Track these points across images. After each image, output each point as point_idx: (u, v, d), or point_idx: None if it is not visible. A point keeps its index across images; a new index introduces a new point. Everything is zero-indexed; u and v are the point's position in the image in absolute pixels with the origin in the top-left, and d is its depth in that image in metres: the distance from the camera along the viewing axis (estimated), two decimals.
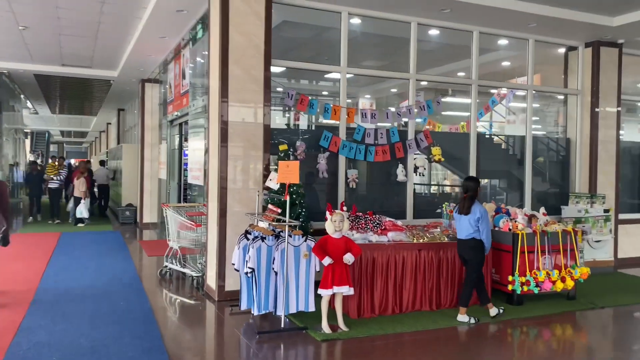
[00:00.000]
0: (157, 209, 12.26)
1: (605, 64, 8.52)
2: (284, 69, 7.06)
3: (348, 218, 5.50)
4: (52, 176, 13.76)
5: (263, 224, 5.37)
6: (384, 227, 5.97)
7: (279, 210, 5.39)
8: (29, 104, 20.08)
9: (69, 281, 6.96)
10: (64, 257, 8.71)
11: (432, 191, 9.07)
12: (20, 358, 4.27)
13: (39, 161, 23.38)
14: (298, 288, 5.14)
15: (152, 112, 12.81)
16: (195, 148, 8.34)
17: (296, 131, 7.57)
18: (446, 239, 6.07)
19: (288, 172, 5.16)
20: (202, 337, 5.24)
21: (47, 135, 32.95)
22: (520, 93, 8.67)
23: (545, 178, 8.91)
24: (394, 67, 7.94)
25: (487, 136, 8.83)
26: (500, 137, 9.15)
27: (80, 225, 12.99)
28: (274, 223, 5.21)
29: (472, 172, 7.86)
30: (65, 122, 27.07)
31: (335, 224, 5.01)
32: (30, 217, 13.77)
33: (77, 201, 13.03)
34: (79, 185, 13.14)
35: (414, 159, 7.47)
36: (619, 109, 8.72)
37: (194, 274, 7.01)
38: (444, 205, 7.30)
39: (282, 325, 5.05)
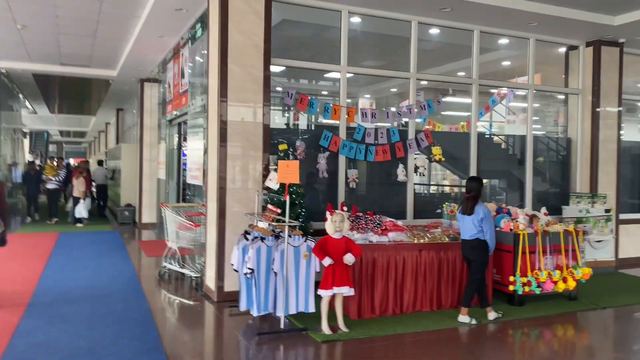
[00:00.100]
0: (156, 209, 12.21)
1: (606, 63, 8.48)
2: (283, 68, 7.02)
3: (348, 218, 5.46)
4: (50, 177, 13.71)
5: (262, 224, 5.32)
6: (384, 227, 5.93)
7: (279, 211, 5.34)
8: (27, 104, 20.02)
9: (67, 282, 6.91)
10: (62, 257, 8.67)
11: (432, 191, 9.04)
12: None
13: (37, 161, 23.31)
14: (298, 289, 5.09)
15: (151, 111, 12.76)
16: (194, 148, 8.30)
17: (296, 131, 7.53)
18: (447, 239, 6.03)
19: (288, 172, 5.12)
20: (201, 339, 5.20)
21: (46, 135, 32.88)
22: (521, 93, 8.64)
23: (545, 178, 8.87)
24: (394, 66, 7.90)
25: (487, 136, 8.79)
26: (500, 137, 9.11)
27: (79, 225, 12.93)
28: (273, 223, 5.17)
29: (473, 172, 7.82)
30: (64, 121, 26.99)
31: (335, 224, 4.96)
32: (29, 218, 13.71)
33: (76, 201, 12.98)
34: (78, 185, 13.09)
35: (415, 158, 7.43)
36: (620, 108, 8.68)
37: (192, 274, 6.96)
38: (444, 205, 7.26)
39: (282, 326, 5.01)
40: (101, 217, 14.92)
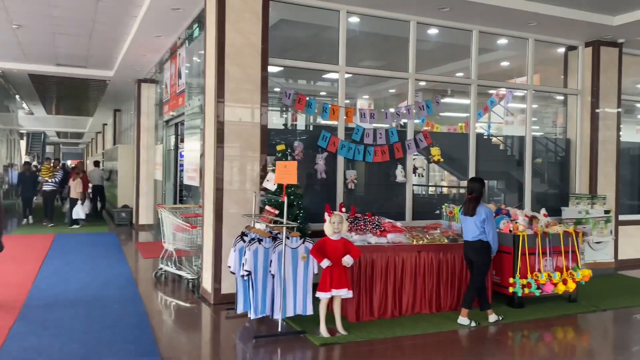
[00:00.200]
0: (153, 210, 12.13)
1: (605, 63, 8.45)
2: (281, 68, 6.96)
3: (347, 219, 5.40)
4: (46, 178, 13.61)
5: (260, 226, 5.26)
6: (383, 228, 5.87)
7: (277, 212, 5.28)
8: (24, 105, 19.93)
9: (62, 284, 6.83)
10: (57, 259, 8.58)
11: (431, 192, 8.99)
12: None
13: (34, 162, 23.21)
14: (296, 291, 5.03)
15: (148, 112, 12.71)
16: (191, 149, 8.24)
17: (294, 131, 7.47)
18: (446, 240, 5.97)
19: (286, 173, 5.06)
20: (198, 342, 5.13)
21: (43, 136, 32.77)
22: (519, 93, 8.60)
23: (544, 179, 8.83)
24: (393, 67, 7.85)
25: (485, 137, 8.74)
26: (498, 137, 9.07)
27: (75, 226, 12.84)
28: (271, 225, 5.10)
29: (471, 173, 7.78)
30: (61, 123, 26.90)
31: (333, 226, 4.90)
32: (25, 219, 13.55)
33: (74, 202, 12.89)
34: (76, 187, 13.00)
35: (413, 159, 7.38)
36: (620, 109, 8.65)
37: (189, 276, 6.89)
38: (443, 206, 7.20)
39: (280, 329, 4.94)
40: (98, 219, 14.81)
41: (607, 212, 8.02)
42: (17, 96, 17.00)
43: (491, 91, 8.31)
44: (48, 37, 9.53)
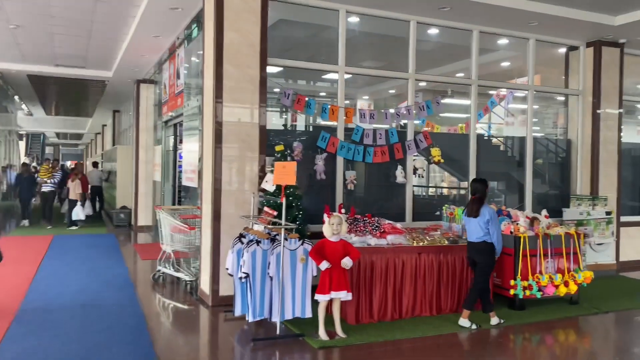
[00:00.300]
0: (151, 211, 12.07)
1: (606, 64, 8.40)
2: (281, 69, 6.91)
3: (346, 221, 5.34)
4: (45, 179, 13.48)
5: (258, 227, 5.21)
6: (382, 230, 5.81)
7: (275, 213, 5.23)
8: (23, 106, 19.88)
9: (59, 286, 6.78)
10: (55, 260, 8.53)
11: (431, 193, 8.94)
12: None
13: (34, 163, 23.14)
14: (294, 293, 4.97)
15: (147, 113, 12.65)
16: (189, 149, 8.18)
17: (293, 132, 7.41)
18: (446, 242, 5.92)
19: (284, 174, 5.00)
20: (195, 344, 5.06)
21: (42, 137, 32.72)
22: (520, 94, 8.55)
23: (545, 180, 8.77)
24: (393, 67, 7.80)
25: (485, 138, 8.69)
26: (499, 138, 9.02)
27: (73, 227, 12.77)
28: (269, 226, 5.05)
29: (472, 174, 7.73)
30: (61, 123, 26.86)
31: (332, 227, 4.85)
32: (23, 221, 13.40)
33: (73, 204, 12.82)
34: (74, 188, 12.94)
35: (413, 160, 7.33)
36: (621, 110, 8.60)
37: (187, 278, 6.84)
38: (444, 207, 7.14)
39: (278, 332, 4.89)
40: (96, 219, 14.74)
41: (608, 213, 7.97)
42: (15, 97, 16.95)
43: (491, 92, 8.26)
44: (46, 38, 9.48)
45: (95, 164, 16.90)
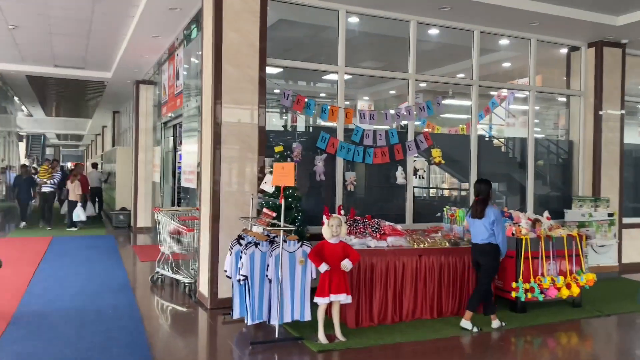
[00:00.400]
0: (151, 212, 12.01)
1: (608, 64, 8.34)
2: (280, 70, 6.87)
3: (346, 222, 5.29)
4: (45, 179, 13.40)
5: (257, 229, 5.15)
6: (383, 231, 5.75)
7: (274, 215, 5.17)
8: (23, 107, 19.86)
9: (57, 288, 6.72)
10: (53, 262, 8.47)
11: (432, 194, 8.88)
12: None
13: (34, 164, 23.08)
14: (293, 296, 4.91)
15: (146, 114, 12.60)
16: (188, 150, 8.13)
17: (293, 133, 7.36)
18: (448, 244, 5.85)
19: (283, 175, 4.94)
20: (193, 347, 5.00)
21: (42, 138, 32.72)
22: (521, 95, 8.49)
23: (546, 181, 8.71)
24: (393, 67, 7.75)
25: (486, 139, 8.63)
26: (500, 139, 8.96)
27: (73, 229, 12.72)
28: (268, 228, 4.99)
29: (473, 175, 7.68)
30: (61, 125, 26.83)
31: (332, 229, 4.79)
32: (21, 223, 13.30)
33: (73, 205, 12.77)
34: (74, 189, 12.89)
35: (414, 161, 7.27)
36: (623, 111, 8.53)
37: (186, 280, 6.78)
38: (444, 208, 7.07)
39: (277, 335, 4.83)
40: (95, 221, 14.68)
41: (610, 215, 7.90)
42: (15, 98, 16.92)
43: (492, 92, 8.21)
44: (45, 38, 9.44)
45: (94, 165, 16.84)
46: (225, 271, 5.23)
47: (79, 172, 13.79)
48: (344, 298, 4.79)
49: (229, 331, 5.24)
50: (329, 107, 6.74)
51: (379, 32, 7.74)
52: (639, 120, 10.38)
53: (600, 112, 8.35)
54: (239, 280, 4.91)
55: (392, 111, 7.31)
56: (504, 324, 5.41)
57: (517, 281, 5.82)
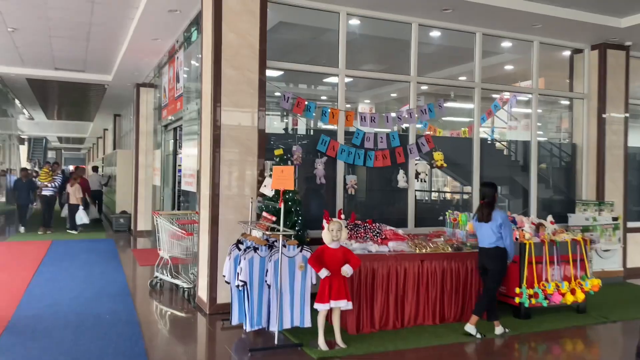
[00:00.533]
0: (151, 216, 11.94)
1: (612, 67, 8.25)
2: (281, 72, 6.80)
3: (346, 227, 5.21)
4: (46, 183, 13.30)
5: (257, 233, 5.07)
6: (384, 236, 5.67)
7: (274, 218, 5.09)
8: (24, 111, 19.84)
9: (54, 293, 6.64)
10: (52, 266, 8.40)
11: (434, 198, 8.79)
12: None
13: (35, 167, 23.03)
14: (293, 302, 4.82)
15: (147, 117, 12.55)
16: (188, 153, 8.07)
17: (294, 136, 7.29)
18: (450, 249, 5.76)
19: (283, 178, 4.87)
20: (191, 354, 4.90)
21: (44, 141, 32.70)
22: (522, 98, 8.42)
23: (549, 185, 8.62)
24: (394, 70, 7.68)
25: (489, 142, 8.55)
26: (502, 142, 8.87)
27: (73, 232, 12.66)
28: (267, 232, 4.91)
29: (475, 179, 7.60)
30: (62, 128, 26.83)
31: (332, 233, 4.71)
32: (20, 227, 13.16)
33: (74, 208, 12.71)
34: (75, 192, 12.85)
35: (415, 164, 7.19)
36: (627, 114, 8.45)
37: (185, 285, 6.70)
38: (447, 212, 6.98)
39: (276, 342, 4.74)
40: (96, 224, 14.61)
41: (615, 219, 7.80)
42: (16, 101, 16.89)
43: (494, 95, 8.13)
44: (44, 41, 9.39)
45: (95, 169, 16.79)
46: (224, 276, 5.15)
47: (79, 175, 13.74)
48: (345, 304, 4.70)
49: (228, 337, 5.16)
50: (329, 110, 6.67)
51: (380, 34, 7.67)
52: None
53: (604, 115, 8.26)
54: (237, 286, 4.83)
55: (393, 114, 7.23)
56: (507, 330, 5.32)
57: (520, 286, 5.72)
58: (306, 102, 6.52)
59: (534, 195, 8.08)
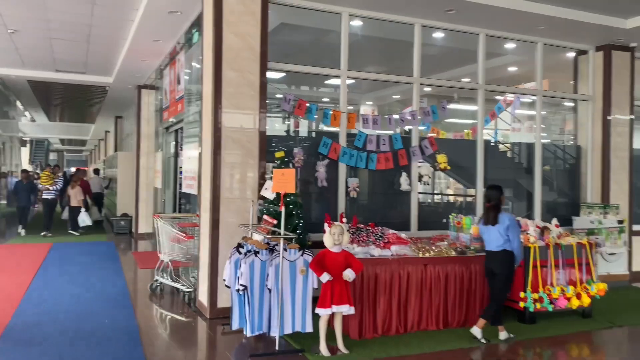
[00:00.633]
0: (152, 218, 11.88)
1: (617, 68, 8.16)
2: (283, 74, 6.74)
3: (348, 230, 5.13)
4: (47, 186, 13.21)
5: (258, 236, 4.99)
6: (387, 240, 5.59)
7: (275, 222, 5.01)
8: (26, 113, 19.82)
9: (53, 297, 6.58)
10: (52, 269, 8.34)
11: (437, 201, 8.71)
12: None
13: (37, 170, 22.99)
14: (294, 307, 4.75)
15: (148, 119, 12.50)
16: (189, 156, 8.01)
17: (295, 138, 7.22)
18: (454, 252, 5.68)
19: (283, 181, 4.80)
20: None
21: (46, 143, 32.72)
22: (526, 100, 8.33)
23: (554, 187, 8.53)
24: (397, 71, 7.61)
25: (492, 144, 8.47)
26: (506, 144, 8.79)
27: (75, 234, 12.61)
28: (268, 236, 4.83)
29: (479, 181, 7.51)
30: (64, 130, 26.82)
31: (334, 237, 4.63)
32: (20, 230, 13.05)
33: (76, 211, 12.66)
34: (76, 195, 12.80)
35: (419, 167, 7.11)
36: (632, 116, 8.35)
37: (185, 288, 6.62)
38: (450, 216, 6.90)
39: (277, 347, 4.67)
40: (97, 227, 14.55)
41: (620, 222, 7.71)
42: (17, 102, 16.86)
43: (498, 97, 8.05)
44: (45, 42, 9.34)
45: (96, 171, 16.74)
46: (224, 280, 5.08)
47: (80, 178, 13.70)
48: (347, 309, 4.63)
49: (228, 342, 5.08)
50: (331, 112, 6.61)
51: (382, 35, 7.60)
52: None
53: (609, 117, 8.17)
54: (238, 290, 4.76)
55: (396, 116, 7.16)
56: (512, 335, 5.23)
57: (525, 291, 5.64)
58: (308, 104, 6.46)
59: (538, 198, 7.99)
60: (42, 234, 12.45)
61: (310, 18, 6.88)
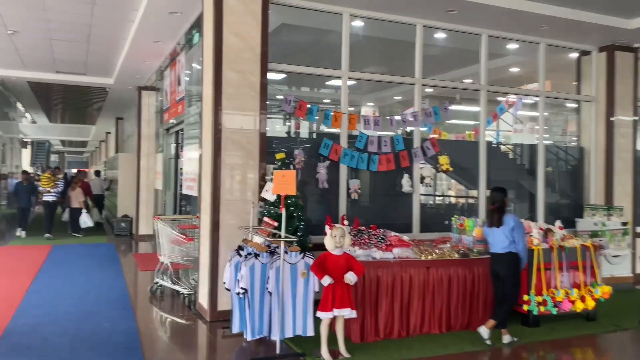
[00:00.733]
0: (152, 220, 11.84)
1: (620, 69, 8.10)
2: (284, 75, 6.69)
3: (350, 233, 5.08)
4: (48, 188, 13.14)
5: (258, 239, 4.94)
6: (388, 242, 5.53)
7: (275, 224, 4.96)
8: (27, 114, 19.81)
9: (53, 299, 6.52)
10: (52, 271, 8.29)
11: (440, 203, 8.64)
12: None
13: (38, 171, 22.97)
14: (295, 310, 4.69)
15: (148, 120, 12.47)
16: (190, 157, 7.97)
17: (296, 139, 7.17)
18: (457, 255, 5.62)
19: (284, 183, 4.74)
20: None
21: (47, 145, 32.73)
22: (528, 101, 8.27)
23: (556, 189, 8.47)
24: (399, 72, 7.56)
25: (494, 145, 8.41)
26: (508, 146, 8.73)
27: (77, 235, 12.57)
28: (269, 238, 4.78)
29: (482, 182, 7.46)
30: (65, 131, 26.81)
31: (335, 240, 4.58)
32: (21, 231, 12.96)
33: (77, 212, 12.61)
34: (77, 196, 12.75)
35: (420, 168, 7.05)
36: (636, 117, 8.29)
37: (185, 291, 6.57)
38: (453, 218, 6.84)
39: (278, 351, 4.61)
40: (97, 228, 14.49)
41: (624, 223, 7.64)
42: (18, 104, 16.85)
43: (500, 98, 8.00)
44: (45, 43, 9.31)
45: (97, 173, 16.71)
46: (224, 283, 5.03)
47: (80, 179, 13.66)
48: (348, 313, 4.57)
49: (229, 346, 5.02)
50: (332, 113, 6.55)
51: (383, 36, 7.56)
52: None
53: (612, 118, 8.11)
54: (238, 293, 4.70)
55: (397, 117, 7.11)
56: (515, 339, 5.17)
57: (529, 294, 5.58)
58: (308, 105, 6.41)
59: (541, 200, 7.93)
60: (46, 236, 12.38)
61: (310, 18, 6.83)
